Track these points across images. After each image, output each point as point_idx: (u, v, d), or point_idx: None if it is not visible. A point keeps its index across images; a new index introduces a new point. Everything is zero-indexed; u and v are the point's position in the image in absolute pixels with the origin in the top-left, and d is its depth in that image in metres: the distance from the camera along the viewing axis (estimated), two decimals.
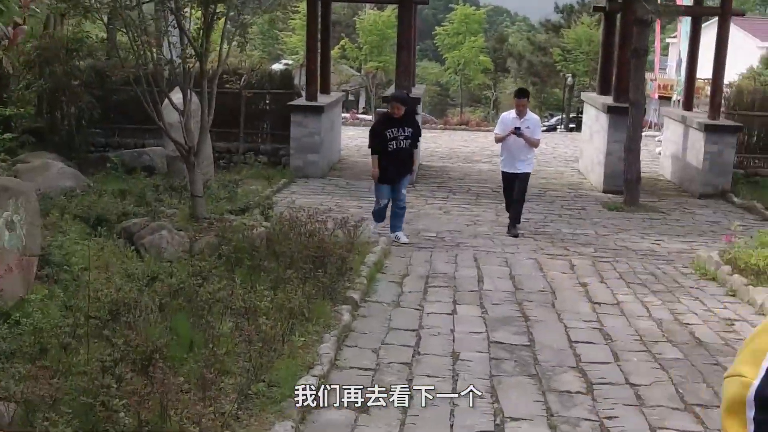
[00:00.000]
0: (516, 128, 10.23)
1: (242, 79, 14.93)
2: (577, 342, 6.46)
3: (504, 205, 11.20)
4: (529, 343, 6.38)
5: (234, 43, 9.18)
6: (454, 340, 6.39)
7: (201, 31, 8.67)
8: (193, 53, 8.68)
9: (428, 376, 5.58)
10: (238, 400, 4.63)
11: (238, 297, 5.94)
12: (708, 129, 14.47)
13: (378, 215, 10.19)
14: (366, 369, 5.67)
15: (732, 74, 17.70)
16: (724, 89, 15.85)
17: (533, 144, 10.52)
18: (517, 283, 8.27)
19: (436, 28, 48.28)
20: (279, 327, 5.60)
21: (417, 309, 7.23)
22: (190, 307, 5.82)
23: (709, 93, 20.54)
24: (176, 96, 9.20)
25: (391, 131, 9.73)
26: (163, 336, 5.13)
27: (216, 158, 13.80)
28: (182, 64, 8.79)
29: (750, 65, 35.30)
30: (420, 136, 10.26)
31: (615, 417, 5.05)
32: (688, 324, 7.10)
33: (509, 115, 10.73)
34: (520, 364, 5.91)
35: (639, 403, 5.27)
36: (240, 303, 5.83)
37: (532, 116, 10.78)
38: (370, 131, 10.36)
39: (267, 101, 15.92)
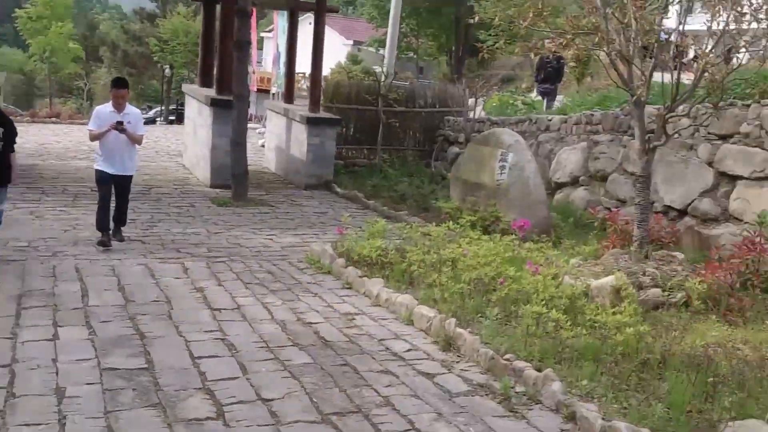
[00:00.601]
0: (118, 122, 9.26)
1: None
2: (200, 358, 5.87)
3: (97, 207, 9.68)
4: (147, 366, 5.65)
5: None
6: (57, 373, 5.42)
7: None
8: None
9: (27, 425, 4.60)
10: None
11: None
12: (310, 122, 14.81)
13: None
14: None
15: (324, 69, 18.34)
16: (322, 83, 16.35)
17: (137, 141, 9.60)
18: (127, 295, 7.43)
19: (17, 10, 44.08)
20: None
21: (9, 338, 6.07)
22: None
23: (305, 86, 21.25)
24: None
25: None
26: None
27: None
28: None
29: (338, 61, 37.59)
30: (16, 135, 8.57)
31: None
32: (312, 323, 6.90)
33: (105, 109, 9.63)
34: (139, 392, 5.16)
35: (275, 421, 4.84)
36: None
37: (132, 110, 9.81)
38: None
39: None
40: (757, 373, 5.45)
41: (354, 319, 7.15)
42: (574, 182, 12.60)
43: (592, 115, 12.54)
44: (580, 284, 7.30)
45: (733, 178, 9.57)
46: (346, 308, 7.47)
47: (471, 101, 17.58)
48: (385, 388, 5.51)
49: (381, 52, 29.61)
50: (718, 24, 7.87)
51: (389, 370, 5.87)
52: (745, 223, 9.03)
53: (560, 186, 12.89)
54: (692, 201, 10.08)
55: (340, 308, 7.46)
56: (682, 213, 10.25)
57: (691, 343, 6.14)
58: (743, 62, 8.33)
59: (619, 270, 7.58)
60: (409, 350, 6.36)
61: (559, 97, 18.01)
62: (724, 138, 9.75)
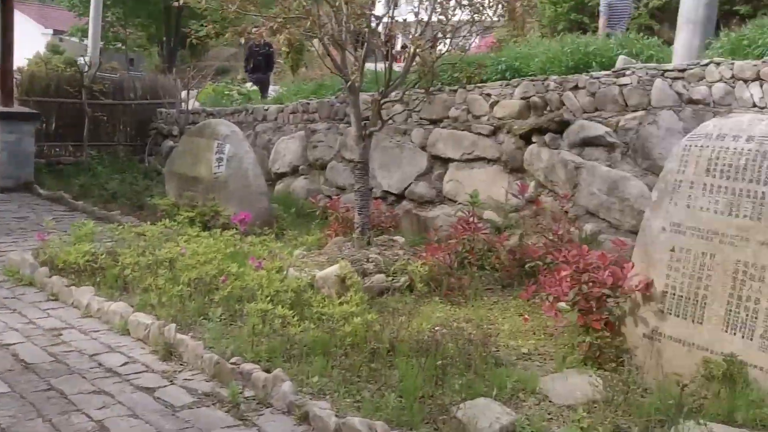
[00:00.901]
0: None
1: None
2: None
3: None
4: None
5: None
6: None
7: None
8: None
9: None
10: None
11: None
12: (2, 117, 13.41)
13: None
14: None
15: (20, 60, 16.73)
16: (15, 75, 14.86)
17: None
18: None
19: None
20: None
21: None
22: None
23: None
24: None
25: None
26: None
27: None
28: None
29: (37, 51, 34.73)
30: None
31: None
32: (10, 345, 6.04)
33: None
34: None
35: None
36: None
37: None
38: None
39: None
40: (482, 351, 5.53)
41: (61, 334, 6.38)
42: (294, 172, 12.47)
43: (308, 103, 12.46)
44: (305, 276, 7.09)
45: (445, 161, 9.90)
46: (51, 323, 6.67)
47: (185, 93, 16.88)
48: (98, 410, 4.90)
49: (86, 42, 27.66)
50: (427, 10, 8.02)
51: (103, 389, 5.26)
52: (459, 203, 9.36)
53: (280, 176, 12.70)
54: (409, 185, 10.31)
55: (45, 323, 6.65)
56: (400, 197, 10.46)
57: (418, 326, 6.14)
58: (449, 49, 8.57)
59: (343, 258, 7.48)
60: (125, 364, 5.76)
61: (275, 87, 17.83)
62: (435, 122, 10.06)
